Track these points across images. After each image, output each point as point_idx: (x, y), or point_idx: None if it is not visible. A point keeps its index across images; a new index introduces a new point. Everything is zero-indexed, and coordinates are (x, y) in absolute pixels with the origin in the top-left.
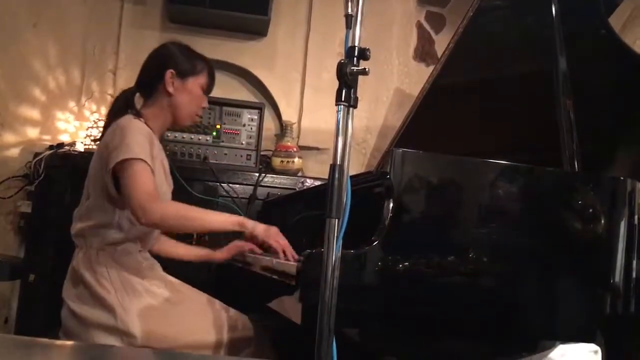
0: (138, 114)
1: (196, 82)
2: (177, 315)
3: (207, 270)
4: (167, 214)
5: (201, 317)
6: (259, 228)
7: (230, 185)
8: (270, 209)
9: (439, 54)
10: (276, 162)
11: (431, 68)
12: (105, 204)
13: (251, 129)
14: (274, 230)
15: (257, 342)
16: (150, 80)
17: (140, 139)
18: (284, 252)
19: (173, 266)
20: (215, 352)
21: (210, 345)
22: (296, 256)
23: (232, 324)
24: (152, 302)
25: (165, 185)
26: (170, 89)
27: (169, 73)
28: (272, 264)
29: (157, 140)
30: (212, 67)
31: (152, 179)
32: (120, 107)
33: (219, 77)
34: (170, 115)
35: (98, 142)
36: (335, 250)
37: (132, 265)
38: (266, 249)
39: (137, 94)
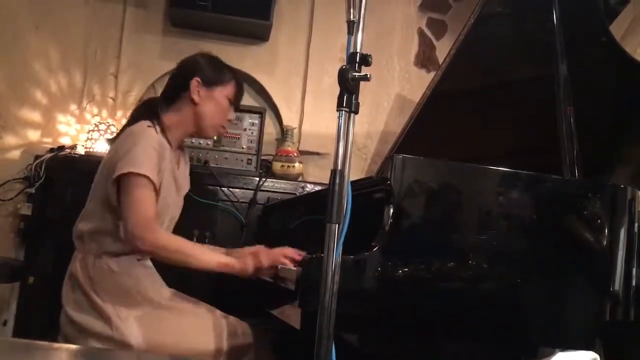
0: (155, 122)
1: (223, 92)
2: (175, 324)
3: (207, 274)
4: (157, 246)
5: (200, 325)
6: (262, 261)
7: (231, 189)
8: (270, 214)
9: (440, 60)
10: (277, 166)
11: (432, 74)
12: (105, 212)
13: (252, 133)
14: (275, 250)
15: (257, 348)
16: (175, 88)
17: (149, 151)
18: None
19: (173, 270)
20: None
21: (210, 353)
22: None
23: (231, 330)
24: (150, 310)
25: (173, 198)
26: (196, 98)
27: (195, 81)
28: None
29: (170, 151)
30: (239, 77)
31: (152, 200)
32: (142, 112)
33: None
34: (193, 125)
35: (109, 145)
36: (335, 256)
37: (129, 274)
38: None
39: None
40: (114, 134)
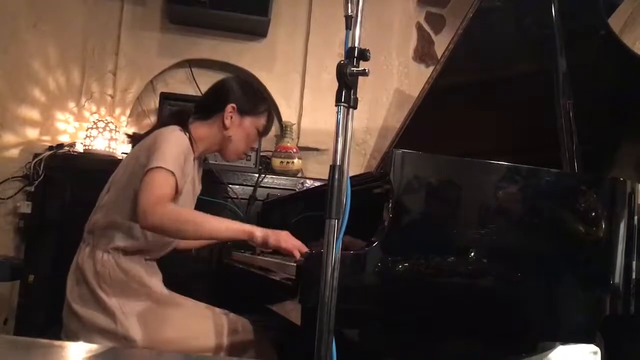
0: (185, 128)
1: (254, 123)
2: (177, 320)
3: (208, 270)
4: (168, 217)
5: (201, 322)
6: (270, 237)
7: (230, 186)
8: (270, 210)
9: (439, 54)
10: (276, 162)
11: (431, 69)
12: (125, 204)
13: None
14: (284, 234)
15: (258, 344)
16: (209, 107)
17: (177, 152)
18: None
19: (173, 268)
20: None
21: (211, 349)
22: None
23: (232, 327)
24: (153, 307)
25: (189, 204)
26: (227, 122)
27: (230, 107)
28: (273, 265)
29: (193, 159)
30: (272, 110)
31: (171, 186)
32: (173, 118)
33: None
34: (218, 145)
35: (134, 142)
36: (335, 251)
37: (134, 271)
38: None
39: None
40: (115, 132)
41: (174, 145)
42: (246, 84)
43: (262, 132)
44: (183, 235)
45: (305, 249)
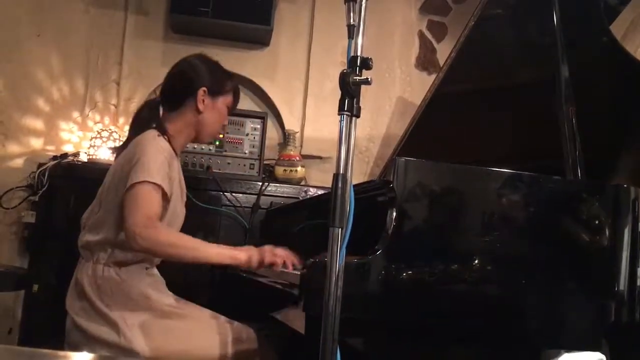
0: (162, 130)
1: (224, 102)
2: (180, 331)
3: (211, 278)
4: (158, 241)
5: (205, 332)
6: (252, 259)
7: (234, 194)
8: (273, 218)
9: (441, 62)
10: (279, 171)
11: (433, 77)
12: (116, 222)
13: (254, 138)
14: (267, 249)
15: (262, 353)
16: (179, 94)
17: (160, 160)
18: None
19: (176, 276)
20: None
21: (215, 359)
22: (296, 263)
23: (236, 336)
24: (156, 317)
25: (180, 207)
26: (201, 107)
27: (202, 91)
28: (277, 273)
29: (176, 159)
30: (238, 86)
31: (157, 202)
32: (145, 119)
33: None
34: (194, 132)
35: (116, 154)
36: (338, 260)
37: (135, 283)
38: None
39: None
40: (119, 141)
41: (155, 154)
42: (210, 61)
43: (232, 109)
44: (174, 259)
45: (292, 258)
